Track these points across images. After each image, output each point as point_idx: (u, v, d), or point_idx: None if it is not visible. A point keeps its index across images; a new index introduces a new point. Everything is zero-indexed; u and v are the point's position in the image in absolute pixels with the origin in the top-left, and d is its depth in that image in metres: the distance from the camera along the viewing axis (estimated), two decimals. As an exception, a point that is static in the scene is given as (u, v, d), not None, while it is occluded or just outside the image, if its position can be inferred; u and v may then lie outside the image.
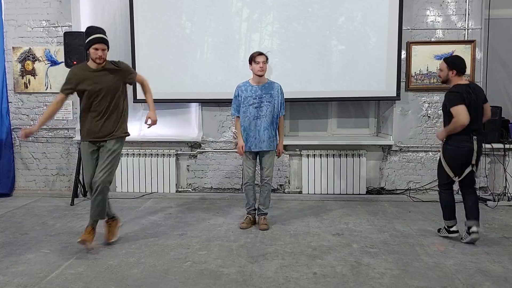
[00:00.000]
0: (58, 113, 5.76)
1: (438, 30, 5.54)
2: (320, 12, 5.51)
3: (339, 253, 3.77)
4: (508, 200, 5.37)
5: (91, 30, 3.84)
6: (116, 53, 5.81)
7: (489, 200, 5.34)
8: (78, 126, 5.73)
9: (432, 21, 5.54)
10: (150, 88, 4.15)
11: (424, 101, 5.63)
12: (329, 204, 5.41)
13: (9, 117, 5.95)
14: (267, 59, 4.36)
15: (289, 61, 5.58)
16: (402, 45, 5.47)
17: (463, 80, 3.95)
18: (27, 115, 5.98)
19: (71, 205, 5.41)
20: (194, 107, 5.92)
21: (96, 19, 5.77)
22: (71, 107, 5.87)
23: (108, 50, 3.84)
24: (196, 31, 5.65)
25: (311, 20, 5.53)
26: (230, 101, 5.68)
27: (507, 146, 5.42)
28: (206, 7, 5.60)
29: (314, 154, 5.71)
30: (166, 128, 5.98)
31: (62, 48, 5.57)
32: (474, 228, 3.88)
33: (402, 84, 5.57)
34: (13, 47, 5.87)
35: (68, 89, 3.85)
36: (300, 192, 5.81)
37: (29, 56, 5.86)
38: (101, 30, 3.84)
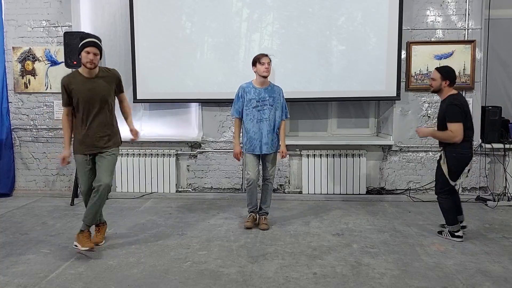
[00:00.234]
0: (58, 113, 5.89)
1: (438, 30, 5.54)
2: (320, 12, 5.51)
3: (339, 253, 3.77)
4: (508, 200, 5.37)
5: (85, 35, 3.86)
6: (116, 53, 5.83)
7: (489, 200, 5.35)
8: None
9: (432, 21, 5.54)
10: (130, 108, 4.11)
11: (424, 101, 5.63)
12: (329, 204, 5.41)
13: (9, 117, 5.95)
14: (271, 61, 4.35)
15: (289, 61, 5.58)
16: (402, 45, 5.47)
17: (453, 90, 4.01)
18: (27, 115, 5.98)
19: (71, 205, 5.41)
20: (194, 107, 5.92)
21: (96, 19, 5.78)
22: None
23: (100, 57, 3.73)
24: (196, 31, 5.65)
25: (311, 20, 5.53)
26: (230, 101, 5.68)
27: (507, 146, 5.42)
28: (206, 7, 5.60)
29: (314, 154, 5.71)
30: (166, 128, 5.98)
31: (62, 48, 5.58)
32: (464, 223, 4.21)
33: (402, 84, 5.57)
34: (13, 47, 5.87)
35: (65, 99, 3.75)
36: (300, 192, 5.81)
37: (29, 56, 5.86)
38: (95, 36, 3.83)
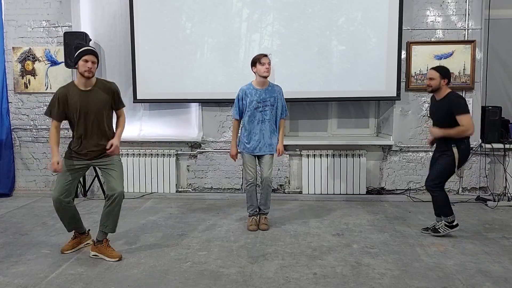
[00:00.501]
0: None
1: (438, 30, 5.54)
2: (320, 13, 5.51)
3: (339, 254, 3.77)
4: (508, 200, 5.37)
5: (81, 45, 3.72)
6: (116, 53, 5.83)
7: (489, 200, 5.35)
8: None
9: (432, 21, 5.54)
10: (124, 124, 3.86)
11: (424, 101, 5.63)
12: (329, 204, 5.41)
13: (9, 117, 5.95)
14: (270, 60, 4.34)
15: (289, 61, 5.58)
16: (402, 45, 5.47)
17: (449, 89, 4.11)
18: (27, 115, 5.98)
19: (71, 205, 5.41)
20: (194, 107, 5.92)
21: (96, 20, 5.78)
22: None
23: (97, 66, 3.62)
24: (196, 32, 5.65)
25: (311, 21, 5.53)
26: (230, 101, 5.71)
27: (507, 146, 5.42)
28: (206, 8, 5.60)
29: (314, 154, 5.71)
30: (166, 128, 5.98)
31: (62, 48, 5.58)
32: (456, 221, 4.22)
33: (402, 84, 5.57)
34: (13, 47, 5.87)
35: (57, 113, 3.59)
36: (300, 192, 5.81)
37: (29, 56, 5.86)
38: (91, 47, 3.68)
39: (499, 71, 5.76)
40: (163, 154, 5.86)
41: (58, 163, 3.55)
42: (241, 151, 4.48)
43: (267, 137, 4.36)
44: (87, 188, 5.79)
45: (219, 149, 5.86)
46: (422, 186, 5.70)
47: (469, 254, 3.74)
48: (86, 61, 3.51)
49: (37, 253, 3.84)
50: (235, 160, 4.59)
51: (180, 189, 5.95)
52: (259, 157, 4.45)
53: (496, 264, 3.53)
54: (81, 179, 5.63)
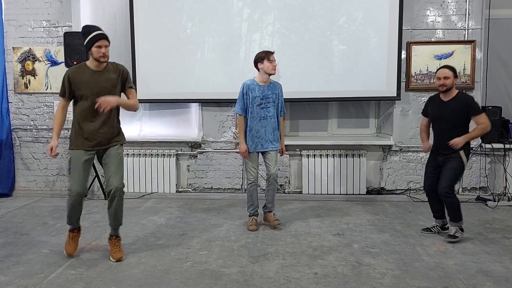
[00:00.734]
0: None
1: (438, 30, 5.55)
2: (321, 12, 5.51)
3: (340, 253, 3.77)
4: (508, 200, 5.37)
5: (89, 28, 3.57)
6: (116, 53, 5.80)
7: (489, 200, 5.35)
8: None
9: (432, 21, 5.55)
10: (134, 102, 3.74)
11: (424, 101, 5.57)
12: (329, 204, 5.41)
13: (9, 117, 5.95)
14: None
15: (289, 61, 5.58)
16: (402, 45, 5.47)
17: None
18: (27, 115, 5.98)
19: (71, 205, 5.40)
20: (194, 107, 5.92)
21: (96, 20, 5.77)
22: (71, 107, 5.85)
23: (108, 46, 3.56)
24: (197, 31, 5.65)
25: (312, 20, 5.53)
26: (231, 101, 5.73)
27: (507, 146, 5.42)
28: (206, 7, 5.59)
29: (314, 154, 5.71)
30: (166, 128, 5.98)
31: (62, 48, 5.57)
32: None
33: (402, 84, 5.57)
34: (13, 47, 5.87)
35: (68, 93, 3.55)
36: (300, 192, 5.81)
37: (29, 56, 5.86)
38: (98, 28, 3.59)
39: (499, 71, 5.76)
40: (163, 154, 5.86)
41: (53, 149, 3.51)
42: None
43: (269, 133, 4.35)
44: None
45: (219, 149, 5.86)
46: (422, 186, 5.70)
47: (469, 254, 3.74)
48: (100, 46, 3.45)
49: (38, 253, 3.84)
50: (246, 157, 4.40)
51: (180, 189, 5.95)
52: (264, 154, 4.42)
53: (497, 264, 3.53)
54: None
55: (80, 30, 5.50)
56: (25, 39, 5.87)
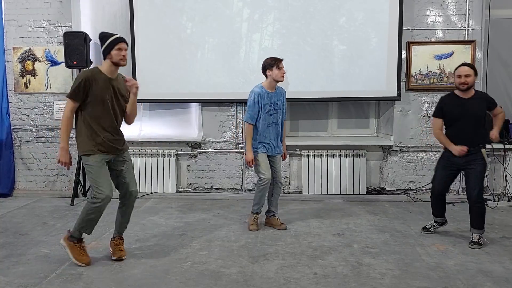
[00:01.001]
0: (58, 113, 5.89)
1: (438, 30, 5.55)
2: (321, 13, 5.51)
3: (340, 254, 3.77)
4: (509, 200, 5.37)
5: (106, 33, 3.48)
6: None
7: (489, 200, 5.34)
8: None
9: (432, 21, 5.55)
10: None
11: (425, 101, 5.63)
12: (329, 204, 5.41)
13: (9, 117, 5.95)
14: None
15: (289, 61, 5.53)
16: (403, 45, 5.47)
17: None
18: (27, 115, 5.97)
19: (71, 205, 5.41)
20: (194, 107, 5.93)
21: (96, 20, 5.78)
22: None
23: None
24: (197, 32, 5.65)
25: (312, 20, 5.53)
26: (231, 101, 5.74)
27: (507, 146, 5.42)
28: (207, 8, 5.59)
29: (315, 154, 5.71)
30: (166, 128, 5.99)
31: (62, 48, 5.57)
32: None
33: (403, 84, 5.57)
34: (13, 47, 5.87)
35: (81, 95, 3.38)
36: (300, 192, 5.81)
37: (29, 56, 5.86)
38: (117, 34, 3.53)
39: (499, 71, 5.76)
40: (163, 154, 5.86)
41: (67, 163, 3.43)
42: (255, 151, 4.33)
43: (274, 139, 4.36)
44: (87, 188, 5.78)
45: (219, 149, 5.86)
46: (422, 186, 5.71)
47: (469, 254, 3.74)
48: (120, 49, 3.40)
49: (37, 253, 3.84)
50: (251, 166, 4.37)
51: (180, 189, 5.95)
52: (270, 158, 4.39)
53: (497, 264, 3.53)
54: (81, 179, 5.66)
55: (80, 30, 5.61)
56: (25, 39, 5.87)
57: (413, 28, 5.54)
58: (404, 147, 5.71)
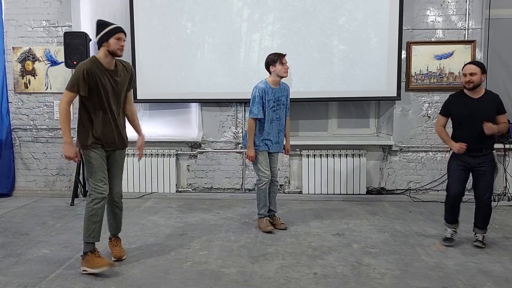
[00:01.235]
0: (58, 113, 5.87)
1: (439, 30, 5.54)
2: (321, 12, 5.51)
3: (340, 253, 3.77)
4: (508, 200, 5.38)
5: (104, 21, 3.38)
6: (116, 53, 5.82)
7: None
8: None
9: (432, 21, 5.54)
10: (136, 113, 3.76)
11: (425, 101, 5.63)
12: (329, 204, 5.41)
13: (9, 117, 5.95)
14: None
15: (289, 61, 5.47)
16: (403, 45, 5.47)
17: None
18: (27, 115, 5.97)
19: (71, 205, 5.40)
20: (194, 107, 5.93)
21: (96, 20, 5.76)
22: (71, 107, 5.83)
23: None
24: (197, 31, 5.65)
25: (312, 20, 5.53)
26: (231, 101, 5.74)
27: (507, 146, 5.41)
28: (206, 7, 5.59)
29: (314, 154, 5.71)
30: (166, 128, 5.98)
31: (62, 48, 5.57)
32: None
33: (403, 84, 5.56)
34: (13, 47, 5.86)
35: (82, 86, 3.26)
36: (300, 192, 5.80)
37: (29, 56, 5.86)
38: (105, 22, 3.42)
39: (499, 71, 5.76)
40: (163, 154, 5.85)
41: (76, 155, 3.33)
42: (256, 149, 4.32)
43: (275, 135, 4.36)
44: (87, 188, 5.78)
45: (219, 149, 5.86)
46: (422, 186, 5.70)
47: (469, 254, 3.74)
48: (119, 39, 3.30)
49: (37, 253, 3.84)
50: (253, 161, 4.35)
51: (180, 189, 5.95)
52: (269, 156, 4.39)
53: (496, 264, 3.53)
54: (80, 179, 5.66)
55: (80, 30, 5.60)
56: (25, 39, 5.87)
57: (413, 28, 5.54)
58: (404, 147, 5.70)
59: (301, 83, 5.58)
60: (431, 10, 5.53)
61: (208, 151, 5.87)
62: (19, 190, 6.05)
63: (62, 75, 5.82)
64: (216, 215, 4.96)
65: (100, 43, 3.34)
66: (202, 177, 5.91)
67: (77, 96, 3.35)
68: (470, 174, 3.89)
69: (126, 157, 4.51)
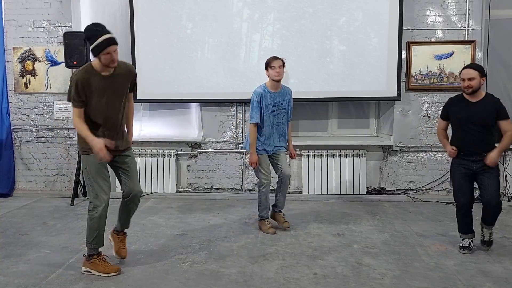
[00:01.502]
0: (58, 113, 5.90)
1: (439, 30, 5.54)
2: (321, 13, 5.51)
3: (340, 254, 3.77)
4: (508, 200, 5.37)
5: (93, 32, 3.19)
6: (116, 53, 5.82)
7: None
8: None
9: (432, 21, 5.54)
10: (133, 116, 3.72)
11: (425, 101, 5.63)
12: (329, 204, 5.41)
13: (9, 117, 5.95)
14: (283, 63, 4.23)
15: (289, 61, 5.52)
16: (403, 45, 5.47)
17: None
18: (27, 115, 5.98)
19: (71, 205, 5.41)
20: (195, 107, 5.93)
21: (96, 20, 5.69)
22: (71, 107, 5.84)
23: None
24: (197, 32, 5.65)
25: (311, 21, 5.53)
26: (231, 101, 5.74)
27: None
28: (206, 8, 5.59)
29: (315, 154, 5.71)
30: (166, 128, 5.98)
31: (62, 48, 5.57)
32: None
33: (403, 84, 5.56)
34: (13, 47, 5.87)
35: (82, 101, 3.23)
36: (300, 192, 5.80)
37: (29, 56, 5.86)
38: (104, 28, 3.22)
39: (499, 71, 5.76)
40: (163, 154, 5.86)
41: (103, 150, 3.19)
42: (256, 152, 4.32)
43: (277, 139, 4.33)
44: (87, 193, 5.78)
45: (219, 149, 5.86)
46: (422, 187, 5.71)
47: (469, 254, 3.74)
48: (108, 53, 3.14)
49: (37, 253, 3.84)
50: (255, 167, 4.34)
51: (180, 189, 5.95)
52: (271, 157, 4.37)
53: (496, 264, 3.53)
54: (81, 179, 5.66)
55: (80, 30, 5.60)
56: (25, 39, 5.87)
57: (413, 28, 5.54)
58: (404, 147, 5.70)
59: (301, 83, 5.58)
60: (431, 10, 5.53)
61: (208, 151, 5.88)
62: (19, 190, 6.05)
63: (62, 75, 5.82)
64: (216, 215, 4.97)
65: (92, 54, 3.25)
66: (202, 177, 5.91)
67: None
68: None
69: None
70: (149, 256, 3.74)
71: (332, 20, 5.51)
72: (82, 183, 5.71)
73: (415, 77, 5.57)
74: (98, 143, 3.18)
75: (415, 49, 5.53)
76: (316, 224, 4.60)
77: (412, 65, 5.54)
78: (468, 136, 3.69)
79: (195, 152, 5.90)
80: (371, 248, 3.90)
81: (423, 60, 5.52)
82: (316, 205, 5.38)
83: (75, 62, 5.37)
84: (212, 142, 5.86)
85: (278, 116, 4.30)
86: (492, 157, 3.62)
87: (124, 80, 3.40)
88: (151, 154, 5.86)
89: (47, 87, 5.89)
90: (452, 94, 4.12)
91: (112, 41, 3.17)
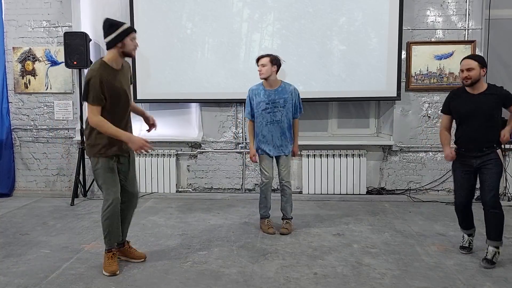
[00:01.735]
0: (58, 113, 5.90)
1: (439, 30, 5.54)
2: (321, 13, 5.51)
3: (340, 254, 3.77)
4: (508, 200, 5.37)
5: (115, 20, 3.20)
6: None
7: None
8: (78, 128, 5.77)
9: (432, 21, 5.54)
10: None
11: (425, 101, 5.63)
12: (329, 204, 5.41)
13: (9, 117, 5.95)
14: (274, 60, 4.16)
15: (289, 61, 5.55)
16: (403, 45, 5.47)
17: None
18: (28, 115, 5.98)
19: (71, 205, 5.40)
20: (195, 107, 5.93)
21: (96, 20, 5.78)
22: (71, 107, 5.87)
23: None
24: (197, 32, 5.65)
25: (312, 21, 5.53)
26: (231, 101, 5.75)
27: (507, 146, 5.41)
28: (206, 8, 5.59)
29: (315, 154, 5.71)
30: (167, 128, 5.98)
31: (62, 48, 5.58)
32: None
33: (403, 84, 5.57)
34: (13, 47, 5.87)
35: (104, 97, 3.16)
36: (300, 192, 5.81)
37: (29, 56, 5.86)
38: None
39: (499, 71, 5.76)
40: (163, 154, 5.86)
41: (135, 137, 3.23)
42: (256, 151, 4.34)
43: (277, 138, 4.26)
44: (87, 188, 5.79)
45: (219, 149, 5.86)
46: (422, 186, 5.71)
47: (469, 254, 3.74)
48: (134, 38, 3.22)
49: (37, 253, 3.84)
50: (255, 161, 4.37)
51: (180, 189, 5.95)
52: (275, 158, 4.35)
53: (496, 264, 3.53)
54: (81, 179, 5.66)
55: (80, 30, 5.60)
56: (25, 39, 5.88)
57: (413, 28, 5.54)
58: (404, 147, 5.70)
59: (301, 83, 5.56)
60: (431, 10, 5.54)
61: (208, 151, 5.88)
62: (19, 190, 6.05)
63: (62, 75, 5.83)
64: (216, 215, 4.97)
65: (112, 44, 3.19)
66: (202, 177, 5.91)
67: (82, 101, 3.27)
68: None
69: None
70: (149, 256, 3.74)
71: (332, 20, 5.52)
72: (82, 183, 5.71)
73: (415, 77, 5.57)
74: (131, 135, 3.26)
75: (415, 49, 5.53)
76: (316, 224, 4.60)
77: (412, 65, 5.54)
78: (470, 130, 3.53)
79: (195, 152, 5.90)
80: (371, 248, 3.90)
81: (423, 60, 5.52)
82: (316, 205, 5.38)
83: (75, 62, 5.38)
84: (212, 142, 5.86)
85: (275, 114, 4.23)
86: (504, 133, 3.45)
87: (127, 73, 3.44)
88: (151, 154, 5.86)
89: (47, 87, 5.89)
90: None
91: (134, 29, 3.29)
